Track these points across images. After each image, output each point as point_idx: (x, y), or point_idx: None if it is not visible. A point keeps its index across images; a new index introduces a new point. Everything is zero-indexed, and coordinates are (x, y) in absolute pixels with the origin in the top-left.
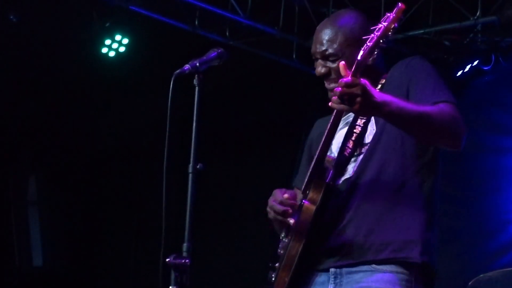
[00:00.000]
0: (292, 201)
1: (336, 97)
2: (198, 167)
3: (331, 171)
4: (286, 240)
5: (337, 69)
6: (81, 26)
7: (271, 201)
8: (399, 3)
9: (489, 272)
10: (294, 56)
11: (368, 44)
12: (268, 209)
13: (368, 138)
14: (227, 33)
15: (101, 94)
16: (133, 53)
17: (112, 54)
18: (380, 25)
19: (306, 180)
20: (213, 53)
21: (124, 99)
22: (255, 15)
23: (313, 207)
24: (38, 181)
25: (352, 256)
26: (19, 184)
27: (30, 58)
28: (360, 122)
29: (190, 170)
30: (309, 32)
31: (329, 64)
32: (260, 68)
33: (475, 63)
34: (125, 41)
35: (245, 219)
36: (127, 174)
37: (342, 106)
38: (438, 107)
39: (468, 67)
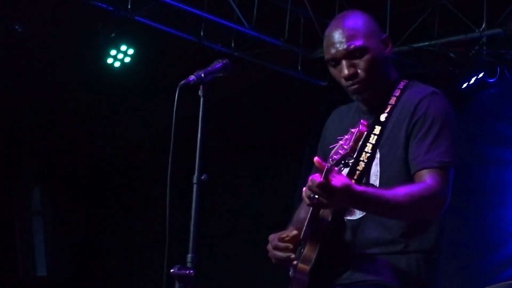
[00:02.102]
0: (288, 253)
1: (310, 193)
2: (202, 177)
3: (327, 220)
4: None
5: (362, 67)
6: (86, 36)
7: (271, 252)
8: (362, 120)
9: (494, 284)
10: (299, 68)
11: (335, 156)
12: (270, 255)
13: (372, 178)
14: (233, 44)
15: (106, 105)
16: (138, 64)
17: (117, 64)
18: (346, 137)
19: (303, 231)
20: (218, 64)
21: (129, 110)
22: (261, 26)
23: (307, 268)
24: (42, 191)
25: (356, 277)
26: (23, 194)
27: (35, 68)
28: (364, 156)
29: (194, 180)
30: (315, 44)
31: (356, 61)
32: (265, 79)
33: (480, 75)
34: (131, 51)
35: (250, 230)
36: (131, 184)
37: (311, 204)
38: (416, 190)
39: (473, 79)
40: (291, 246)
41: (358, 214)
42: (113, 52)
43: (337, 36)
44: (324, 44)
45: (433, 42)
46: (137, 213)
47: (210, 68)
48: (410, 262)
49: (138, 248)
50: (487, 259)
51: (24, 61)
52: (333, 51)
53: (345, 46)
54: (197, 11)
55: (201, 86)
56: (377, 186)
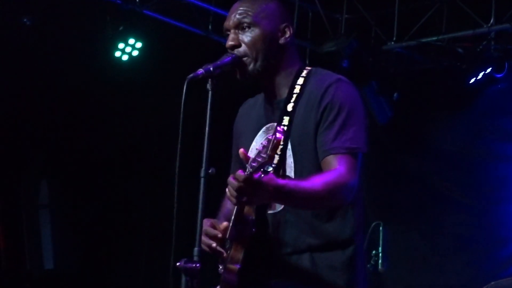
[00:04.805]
0: (212, 241)
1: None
2: (210, 171)
3: (252, 218)
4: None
5: (247, 42)
6: (94, 29)
7: (204, 239)
8: (278, 128)
9: (499, 279)
10: (307, 62)
11: (253, 164)
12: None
13: (288, 170)
14: None
15: (114, 98)
16: (146, 57)
17: (125, 58)
18: (263, 143)
19: (228, 230)
20: (227, 57)
21: (137, 103)
22: None
23: (236, 268)
24: (49, 184)
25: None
26: (30, 188)
27: (43, 61)
28: (277, 149)
29: (202, 174)
30: (323, 38)
31: (240, 34)
32: None
33: (488, 70)
34: (139, 45)
35: None
36: (138, 178)
37: (236, 202)
38: (330, 177)
39: (481, 74)
40: (219, 234)
41: (278, 207)
42: (121, 45)
43: (235, 9)
44: None
45: (441, 37)
46: (144, 206)
47: (219, 62)
48: (331, 259)
49: (144, 241)
50: (493, 255)
51: (32, 55)
52: (227, 22)
53: (236, 19)
54: (205, 5)
55: (209, 80)
56: (293, 177)
